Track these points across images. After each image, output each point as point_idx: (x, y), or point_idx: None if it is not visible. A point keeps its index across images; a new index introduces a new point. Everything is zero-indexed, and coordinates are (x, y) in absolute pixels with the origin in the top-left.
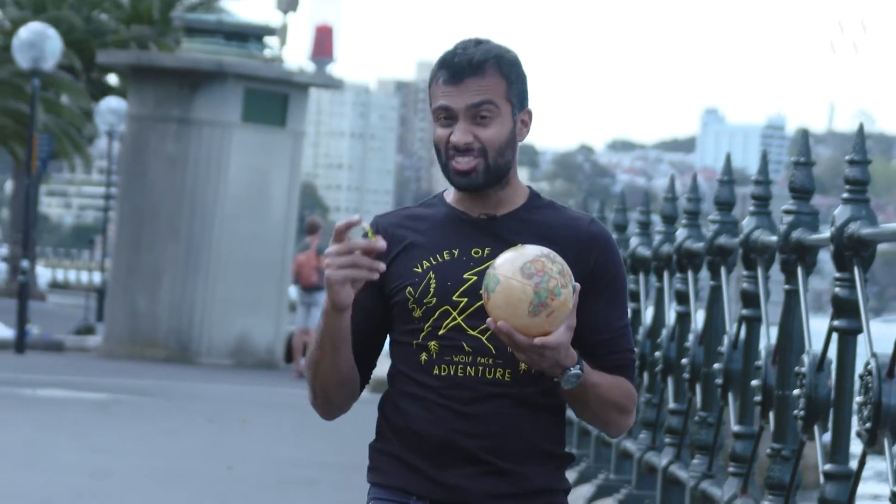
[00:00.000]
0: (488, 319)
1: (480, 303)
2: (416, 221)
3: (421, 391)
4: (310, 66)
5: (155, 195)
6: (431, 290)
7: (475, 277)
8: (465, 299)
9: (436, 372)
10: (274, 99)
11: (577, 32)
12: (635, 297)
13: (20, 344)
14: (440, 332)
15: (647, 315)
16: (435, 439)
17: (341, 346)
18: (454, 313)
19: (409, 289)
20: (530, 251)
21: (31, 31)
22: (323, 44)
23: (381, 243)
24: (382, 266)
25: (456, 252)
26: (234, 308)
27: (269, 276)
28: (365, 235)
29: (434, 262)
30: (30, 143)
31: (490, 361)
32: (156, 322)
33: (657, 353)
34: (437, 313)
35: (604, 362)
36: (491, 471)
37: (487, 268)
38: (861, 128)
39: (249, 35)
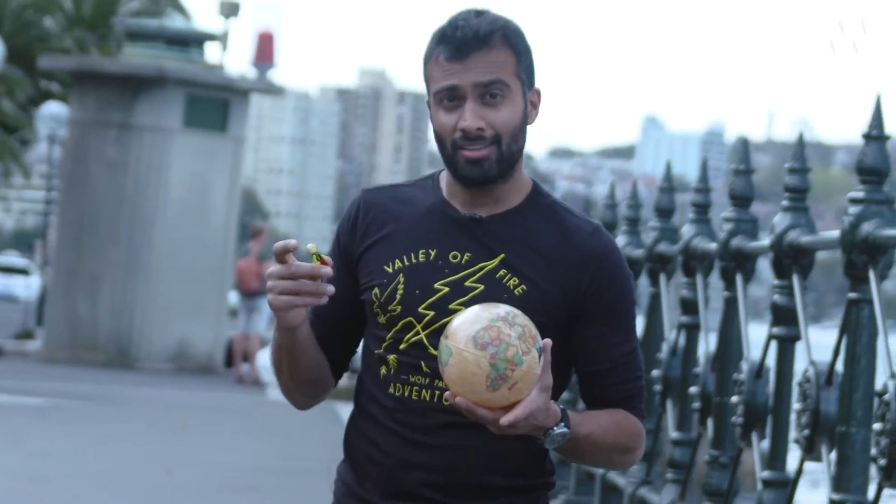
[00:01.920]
0: (447, 392)
1: (448, 319)
2: (402, 205)
3: (376, 409)
4: (251, 72)
5: (96, 200)
6: (397, 296)
7: (447, 288)
8: (432, 313)
9: (391, 391)
10: (215, 104)
11: None
12: None
13: None
14: (401, 346)
15: None
16: (383, 467)
17: (300, 358)
18: (418, 327)
19: (376, 290)
20: (485, 314)
21: None
22: (264, 50)
23: (325, 269)
24: (330, 289)
25: (433, 253)
26: (174, 313)
27: (209, 281)
28: (310, 258)
29: (406, 263)
30: None
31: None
32: (96, 326)
33: None
34: (399, 324)
35: (605, 394)
36: None
37: (461, 281)
38: (801, 136)
39: (191, 41)
